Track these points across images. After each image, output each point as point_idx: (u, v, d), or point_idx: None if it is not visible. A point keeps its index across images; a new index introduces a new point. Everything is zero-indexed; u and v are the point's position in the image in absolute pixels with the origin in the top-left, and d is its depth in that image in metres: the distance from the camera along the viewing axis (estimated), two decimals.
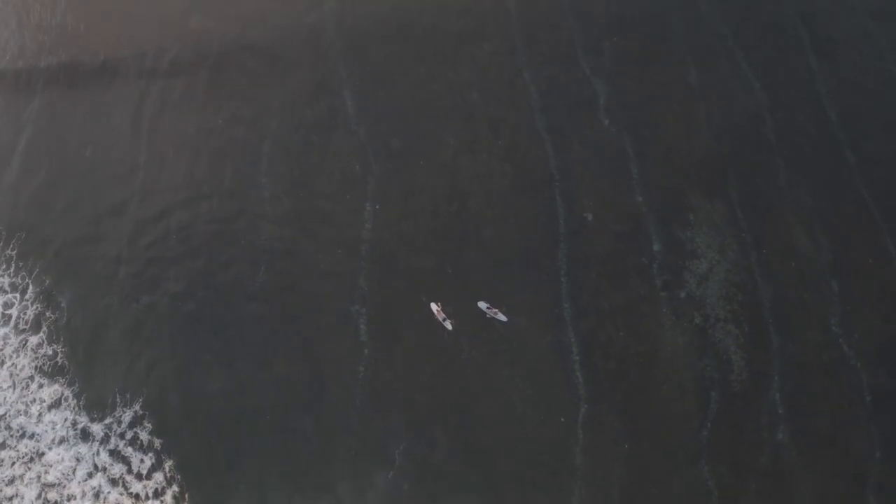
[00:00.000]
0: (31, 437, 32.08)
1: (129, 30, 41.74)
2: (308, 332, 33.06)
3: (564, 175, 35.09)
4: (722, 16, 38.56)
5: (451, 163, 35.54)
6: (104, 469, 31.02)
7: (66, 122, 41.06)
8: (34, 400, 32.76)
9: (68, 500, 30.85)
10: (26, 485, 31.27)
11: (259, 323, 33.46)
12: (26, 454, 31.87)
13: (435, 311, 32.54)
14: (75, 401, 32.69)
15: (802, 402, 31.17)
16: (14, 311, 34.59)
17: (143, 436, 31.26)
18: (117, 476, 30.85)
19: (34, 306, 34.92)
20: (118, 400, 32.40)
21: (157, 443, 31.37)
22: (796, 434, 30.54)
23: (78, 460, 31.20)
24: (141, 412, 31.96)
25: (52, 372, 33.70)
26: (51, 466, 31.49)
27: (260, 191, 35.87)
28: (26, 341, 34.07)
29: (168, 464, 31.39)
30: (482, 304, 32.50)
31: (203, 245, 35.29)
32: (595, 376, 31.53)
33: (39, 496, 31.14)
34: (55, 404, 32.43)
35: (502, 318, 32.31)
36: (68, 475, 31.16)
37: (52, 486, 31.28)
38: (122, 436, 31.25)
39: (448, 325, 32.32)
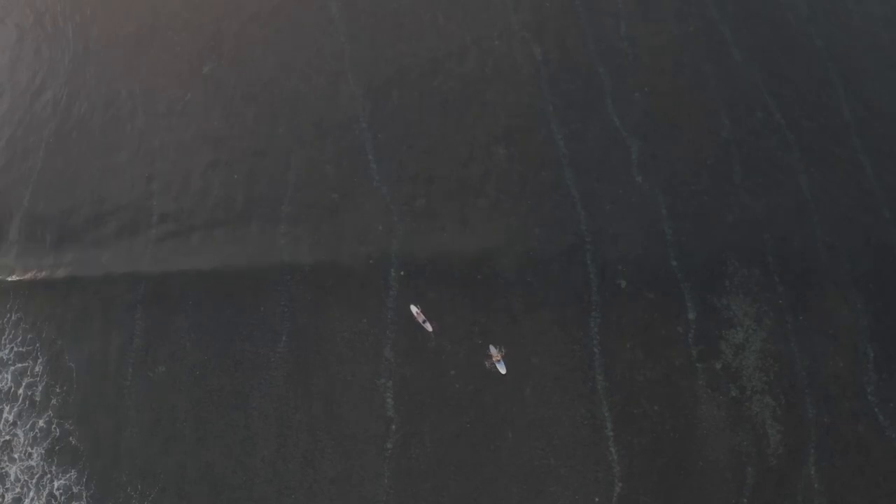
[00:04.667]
0: None
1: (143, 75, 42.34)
2: (333, 405, 34.41)
3: (596, 237, 36.48)
4: (756, 66, 39.84)
5: (478, 225, 36.78)
6: None
7: (74, 162, 41.88)
8: (49, 501, 33.76)
9: None
10: None
11: (281, 396, 34.65)
12: None
13: (415, 314, 34.44)
14: (87, 492, 33.72)
15: (838, 476, 33.07)
16: (22, 390, 35.46)
17: None
18: None
19: (42, 380, 35.81)
20: (131, 492, 33.45)
21: None
22: None
23: None
24: None
25: (63, 457, 34.68)
26: None
27: (279, 252, 36.81)
28: (35, 424, 35.01)
29: None
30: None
31: (220, 311, 36.26)
32: (630, 453, 33.21)
33: None
34: (68, 501, 33.44)
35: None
36: None
37: None
38: None
39: (428, 326, 34.37)
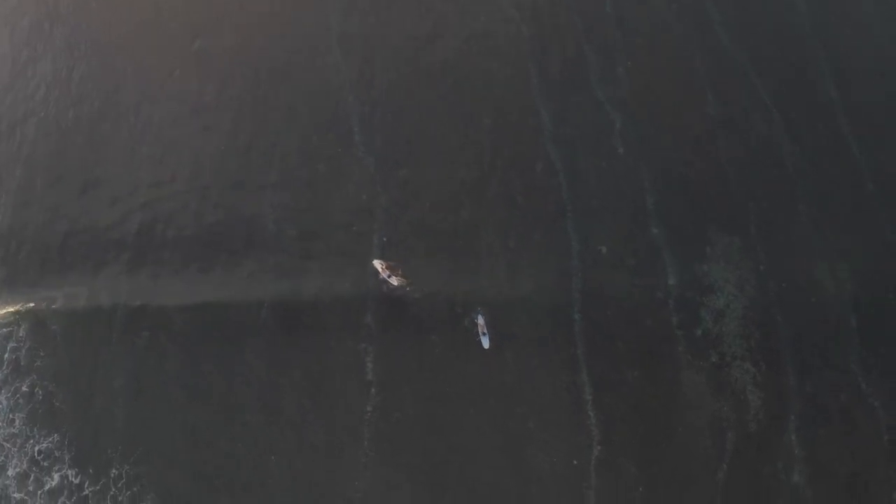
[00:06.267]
0: None
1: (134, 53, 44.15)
2: (314, 370, 35.57)
3: (578, 207, 37.79)
4: (741, 44, 41.28)
5: (461, 194, 38.20)
6: None
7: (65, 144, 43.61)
8: (31, 466, 34.85)
9: None
10: None
11: (263, 361, 35.85)
12: None
13: (380, 269, 35.97)
14: (69, 454, 34.87)
15: (820, 444, 33.85)
16: (7, 354, 36.83)
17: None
18: None
19: (26, 343, 37.09)
20: (112, 454, 34.57)
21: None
22: (813, 476, 33.21)
23: None
24: (135, 470, 34.11)
25: (45, 420, 35.93)
26: None
27: (264, 221, 38.28)
28: (18, 389, 36.26)
29: None
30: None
31: (203, 279, 37.58)
32: (609, 418, 34.19)
33: None
34: (50, 466, 34.57)
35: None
36: None
37: None
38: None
39: (394, 281, 35.80)
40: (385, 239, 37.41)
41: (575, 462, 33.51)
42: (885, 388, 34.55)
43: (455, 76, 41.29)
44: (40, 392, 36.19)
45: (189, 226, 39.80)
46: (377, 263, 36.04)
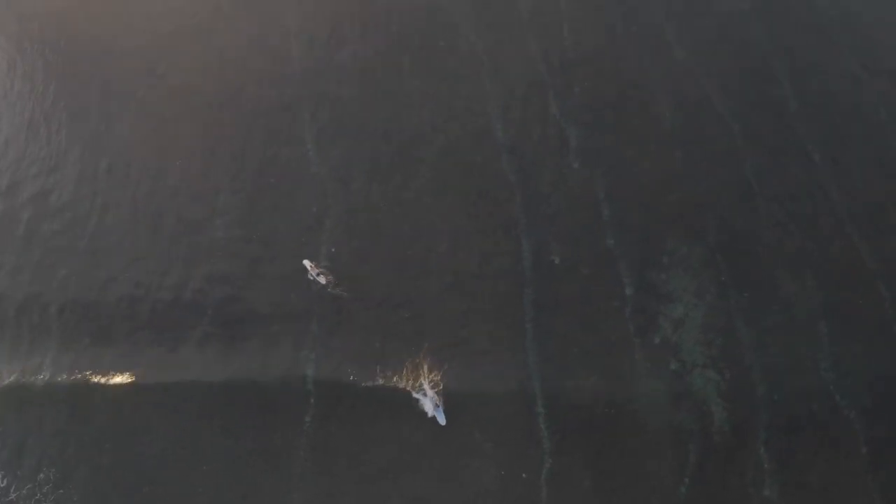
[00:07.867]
0: None
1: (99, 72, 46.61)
2: (254, 375, 34.93)
3: (531, 217, 37.90)
4: (698, 60, 42.48)
5: (414, 205, 38.64)
6: None
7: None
8: None
9: None
10: None
11: (204, 364, 35.36)
12: None
13: (308, 268, 36.35)
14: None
15: (791, 456, 32.14)
16: None
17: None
18: None
19: None
20: (42, 459, 34.09)
21: None
22: (785, 490, 31.41)
23: None
24: (61, 475, 33.51)
25: None
26: None
27: (213, 230, 38.93)
28: None
29: None
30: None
31: (147, 285, 37.92)
32: (561, 429, 32.79)
33: None
34: None
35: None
36: None
37: None
38: None
39: (322, 279, 36.09)
40: (333, 249, 37.61)
41: (524, 476, 31.95)
42: (859, 396, 33.05)
43: (411, 93, 42.74)
44: None
45: (131, 240, 40.04)
46: (307, 263, 36.49)
